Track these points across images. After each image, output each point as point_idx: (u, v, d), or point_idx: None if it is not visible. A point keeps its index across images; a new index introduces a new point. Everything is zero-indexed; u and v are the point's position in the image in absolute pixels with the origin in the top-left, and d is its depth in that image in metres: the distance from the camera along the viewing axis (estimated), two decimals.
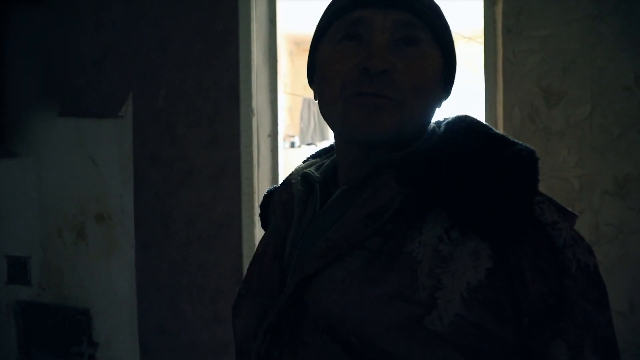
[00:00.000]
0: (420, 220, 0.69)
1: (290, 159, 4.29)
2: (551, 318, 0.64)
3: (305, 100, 6.88)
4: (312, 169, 0.85)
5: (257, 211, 1.34)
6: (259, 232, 2.24)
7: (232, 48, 2.26)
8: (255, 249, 0.89)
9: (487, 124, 0.76)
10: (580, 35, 1.74)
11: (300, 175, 0.84)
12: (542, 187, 0.71)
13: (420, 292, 0.64)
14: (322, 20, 0.80)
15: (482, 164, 0.69)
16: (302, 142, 6.80)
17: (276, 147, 2.31)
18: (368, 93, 0.71)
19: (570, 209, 0.73)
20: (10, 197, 2.73)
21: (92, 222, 2.54)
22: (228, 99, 2.27)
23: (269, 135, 2.30)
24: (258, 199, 2.23)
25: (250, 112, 2.24)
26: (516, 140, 0.73)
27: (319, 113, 0.79)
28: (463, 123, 0.75)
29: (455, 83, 0.82)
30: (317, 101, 0.80)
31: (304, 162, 0.92)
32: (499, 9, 1.85)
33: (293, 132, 7.04)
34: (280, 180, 1.75)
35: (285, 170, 2.24)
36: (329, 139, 6.43)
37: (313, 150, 1.01)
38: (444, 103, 0.82)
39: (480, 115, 1.28)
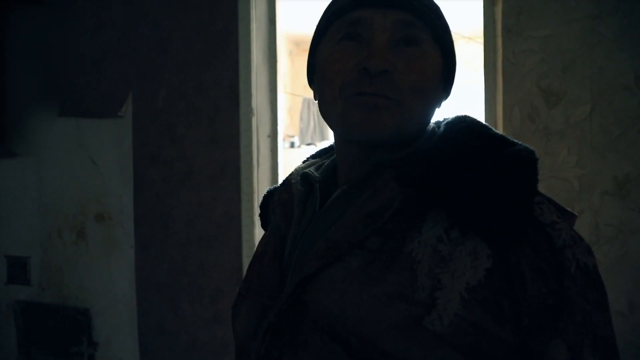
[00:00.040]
0: (420, 220, 0.69)
1: (290, 159, 4.29)
2: (550, 318, 0.64)
3: (305, 100, 6.88)
4: (312, 169, 0.85)
5: (257, 211, 1.34)
6: (258, 232, 2.24)
7: (231, 48, 2.26)
8: (255, 249, 0.89)
9: (486, 124, 0.76)
10: (580, 35, 1.74)
11: (300, 175, 0.84)
12: (542, 187, 0.71)
13: (420, 292, 0.64)
14: (322, 20, 0.80)
15: (481, 164, 0.69)
16: (302, 142, 6.80)
17: (276, 147, 2.31)
18: (368, 93, 0.71)
19: (569, 209, 0.73)
20: (10, 197, 2.73)
21: (92, 222, 2.54)
22: (228, 99, 2.27)
23: (269, 136, 2.30)
24: (258, 199, 2.23)
25: (250, 112, 2.24)
26: (516, 141, 0.73)
27: (319, 113, 0.79)
28: (463, 123, 0.75)
29: (455, 83, 0.82)
30: (317, 101, 0.80)
31: (303, 162, 0.92)
32: (499, 9, 1.85)
33: (293, 132, 7.04)
34: (280, 180, 1.75)
35: (284, 171, 2.24)
36: (329, 139, 6.43)
37: (313, 150, 1.01)
38: (444, 103, 0.82)
39: (480, 115, 1.28)
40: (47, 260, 2.64)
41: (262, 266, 0.81)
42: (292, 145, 6.54)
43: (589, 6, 1.73)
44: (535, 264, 0.65)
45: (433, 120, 0.80)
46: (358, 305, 0.65)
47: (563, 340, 0.63)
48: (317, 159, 0.90)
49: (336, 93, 0.73)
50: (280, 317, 0.71)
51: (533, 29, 1.80)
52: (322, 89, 0.76)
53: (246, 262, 2.21)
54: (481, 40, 1.94)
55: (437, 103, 0.78)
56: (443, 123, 0.78)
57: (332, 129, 0.79)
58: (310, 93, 0.87)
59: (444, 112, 0.83)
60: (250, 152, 2.24)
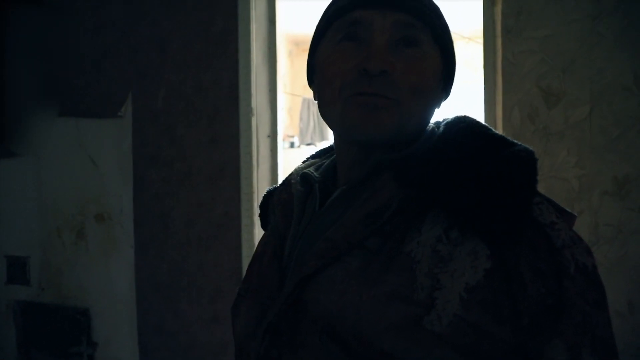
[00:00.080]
0: (419, 221, 0.69)
1: (290, 159, 4.29)
2: (549, 319, 0.64)
3: (304, 100, 6.88)
4: (311, 169, 0.85)
5: (257, 211, 1.34)
6: (258, 232, 2.24)
7: (231, 48, 2.26)
8: (255, 249, 0.89)
9: (486, 124, 0.76)
10: (580, 35, 1.74)
11: (299, 176, 0.84)
12: (541, 188, 0.72)
13: (419, 293, 0.64)
14: (322, 20, 0.80)
15: (481, 164, 0.69)
16: (302, 142, 6.80)
17: (275, 147, 2.31)
18: (367, 93, 0.71)
19: (569, 210, 0.73)
20: (9, 197, 2.73)
21: (92, 222, 2.54)
22: (227, 99, 2.27)
23: (269, 136, 2.30)
24: (257, 199, 2.23)
25: (249, 112, 2.24)
26: (515, 141, 0.73)
27: (319, 113, 0.79)
28: (462, 123, 0.75)
29: (454, 83, 0.82)
30: (316, 101, 0.80)
31: (303, 162, 0.92)
32: (499, 9, 1.85)
33: (292, 132, 7.04)
34: (280, 180, 1.75)
35: (284, 171, 2.24)
36: (329, 139, 6.42)
37: (312, 150, 1.01)
38: (444, 103, 0.82)
39: (479, 115, 1.28)
40: (47, 260, 2.64)
41: (262, 266, 0.81)
42: (291, 145, 6.54)
43: (589, 7, 1.73)
44: (534, 265, 0.65)
45: (433, 120, 0.80)
46: (357, 305, 0.65)
47: (562, 340, 0.64)
48: (317, 159, 0.90)
49: (336, 93, 0.73)
50: (279, 317, 0.71)
51: (533, 30, 1.80)
52: (322, 89, 0.77)
53: (246, 262, 2.21)
54: (481, 40, 1.94)
55: (437, 103, 0.78)
56: (442, 123, 0.78)
57: (331, 129, 0.79)
58: (309, 93, 0.87)
59: (443, 113, 0.83)
60: (250, 152, 2.24)
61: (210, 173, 2.31)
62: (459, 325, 0.63)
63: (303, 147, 6.64)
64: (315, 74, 0.80)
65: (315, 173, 0.83)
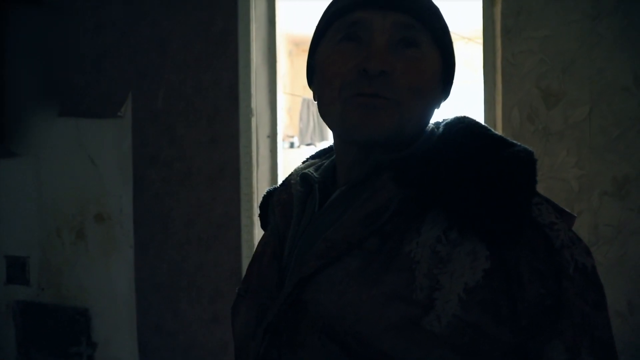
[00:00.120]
0: (418, 221, 0.69)
1: (290, 160, 4.29)
2: (549, 319, 0.64)
3: (304, 100, 6.88)
4: (311, 169, 0.85)
5: (256, 211, 1.34)
6: (258, 233, 2.24)
7: (231, 48, 2.26)
8: (255, 249, 0.89)
9: (485, 125, 0.76)
10: (579, 36, 1.74)
11: (299, 176, 0.84)
12: (541, 188, 0.72)
13: (418, 293, 0.64)
14: (322, 21, 0.80)
15: (480, 164, 0.69)
16: (302, 142, 6.80)
17: (275, 147, 2.31)
18: (367, 94, 0.71)
19: (568, 210, 0.73)
20: (9, 197, 2.73)
21: (91, 222, 2.54)
22: (227, 99, 2.27)
23: (268, 136, 2.30)
24: (257, 200, 2.23)
25: (249, 112, 2.24)
26: (515, 142, 0.73)
27: (318, 113, 0.79)
28: (462, 124, 0.75)
29: (454, 84, 0.82)
30: (316, 102, 0.80)
31: (303, 162, 0.92)
32: (498, 9, 1.85)
33: (292, 133, 7.04)
34: (280, 180, 1.75)
35: (284, 171, 2.24)
36: (328, 140, 6.43)
37: (312, 150, 1.01)
38: (443, 104, 0.82)
39: (479, 115, 1.28)
40: (47, 260, 2.64)
41: (262, 266, 0.81)
42: (291, 145, 6.54)
43: (588, 7, 1.73)
44: (533, 265, 0.65)
45: (432, 121, 0.80)
46: (357, 305, 0.65)
47: (561, 341, 0.64)
48: (317, 160, 0.90)
49: (335, 94, 0.74)
50: (279, 317, 0.71)
51: (532, 30, 1.80)
52: (322, 89, 0.77)
53: (245, 262, 2.21)
54: (480, 40, 1.94)
55: (436, 104, 0.79)
56: (442, 124, 0.79)
57: (331, 130, 0.79)
58: (309, 93, 0.87)
59: (443, 113, 0.83)
60: (249, 153, 2.24)
61: (210, 173, 2.31)
62: (458, 325, 0.63)
63: (303, 147, 6.64)
64: (315, 74, 0.80)
65: (315, 173, 0.83)
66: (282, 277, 0.76)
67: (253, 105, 2.25)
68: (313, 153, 0.94)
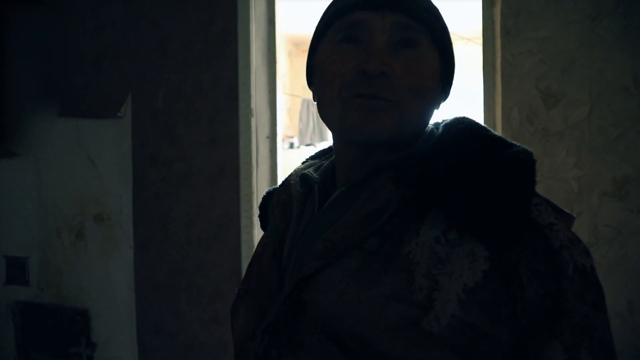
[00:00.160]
0: (417, 222, 0.69)
1: (289, 160, 4.29)
2: (548, 320, 0.64)
3: (304, 101, 6.88)
4: (310, 170, 0.85)
5: (256, 212, 1.34)
6: (257, 233, 2.24)
7: (231, 48, 2.26)
8: (254, 249, 0.89)
9: (485, 125, 0.76)
10: (579, 36, 1.74)
11: (299, 177, 0.84)
12: (540, 189, 0.72)
13: (417, 293, 0.64)
14: (321, 21, 0.80)
15: (480, 165, 0.69)
16: (301, 142, 6.80)
17: (275, 147, 2.31)
18: (366, 95, 0.71)
19: (568, 211, 0.73)
20: (9, 197, 2.73)
21: (91, 222, 2.54)
22: (227, 100, 2.27)
23: (268, 137, 2.30)
24: (257, 200, 2.23)
25: (249, 112, 2.24)
26: (514, 142, 0.73)
27: (318, 114, 0.79)
28: (461, 125, 0.75)
29: (454, 84, 0.83)
30: (316, 102, 0.80)
31: (303, 163, 0.92)
32: (498, 10, 1.85)
33: (292, 133, 7.04)
34: (279, 181, 1.75)
35: (284, 171, 2.24)
36: (328, 140, 6.43)
37: (312, 151, 1.01)
38: (443, 104, 0.82)
39: (478, 116, 1.28)
40: (46, 260, 2.64)
41: (261, 267, 0.81)
42: (291, 146, 6.54)
43: (588, 7, 1.73)
44: (532, 266, 0.65)
45: (432, 121, 0.80)
46: (356, 306, 0.65)
47: (560, 341, 0.64)
48: (316, 160, 0.90)
49: (335, 94, 0.74)
50: (278, 317, 0.71)
51: (532, 31, 1.80)
52: (321, 90, 0.77)
53: (245, 262, 2.21)
54: (480, 41, 1.94)
55: (436, 105, 0.79)
56: (442, 124, 0.79)
57: (330, 130, 0.80)
58: (309, 94, 0.87)
59: (443, 113, 0.83)
60: (249, 153, 2.24)
61: (210, 173, 2.31)
62: (457, 326, 0.63)
63: (302, 147, 6.64)
64: (315, 75, 0.80)
65: (314, 174, 0.83)
66: (282, 277, 0.76)
67: (253, 105, 2.25)
68: (313, 154, 0.94)
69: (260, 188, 2.26)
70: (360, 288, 0.66)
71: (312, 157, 0.93)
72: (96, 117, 2.52)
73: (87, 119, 2.54)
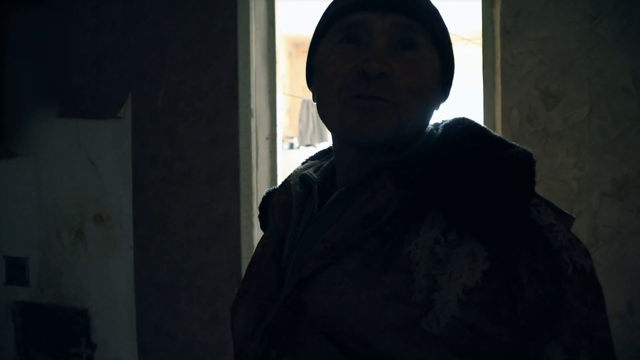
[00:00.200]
0: (417, 222, 0.69)
1: (289, 161, 4.29)
2: (547, 320, 0.64)
3: (304, 101, 6.88)
4: (310, 170, 0.85)
5: (256, 212, 1.34)
6: (257, 233, 2.24)
7: (231, 49, 2.26)
8: (254, 250, 0.89)
9: (484, 126, 0.76)
10: (579, 37, 1.74)
11: (298, 177, 0.84)
12: (540, 189, 0.72)
13: (417, 294, 0.64)
14: (321, 22, 0.80)
15: (479, 166, 0.69)
16: (301, 143, 6.80)
17: (275, 148, 2.31)
18: (366, 96, 0.71)
19: (567, 211, 0.73)
20: (9, 198, 2.73)
21: (91, 222, 2.54)
22: (227, 100, 2.27)
23: (267, 138, 2.30)
24: (257, 200, 2.23)
25: (249, 113, 2.24)
26: (514, 143, 0.73)
27: (318, 114, 0.79)
28: (461, 125, 0.75)
29: (453, 85, 0.83)
30: (315, 103, 0.80)
31: (302, 163, 0.92)
32: (497, 10, 1.85)
33: (292, 134, 7.04)
34: (279, 181, 1.75)
35: (283, 172, 2.24)
36: (328, 141, 6.43)
37: (312, 151, 1.01)
38: (443, 105, 0.82)
39: (478, 116, 1.28)
40: (46, 260, 2.64)
41: (261, 267, 0.81)
42: (291, 146, 6.54)
43: (588, 8, 1.73)
44: (532, 266, 0.65)
45: (431, 122, 0.80)
46: (356, 306, 0.66)
47: (560, 342, 0.64)
48: (316, 161, 0.90)
49: (335, 95, 0.74)
50: (278, 318, 0.71)
51: (531, 31, 1.80)
52: (321, 90, 0.77)
53: (245, 263, 2.21)
54: (480, 41, 1.94)
55: (435, 105, 0.79)
56: (441, 125, 0.79)
57: (330, 131, 0.80)
58: (309, 94, 0.87)
59: (443, 114, 0.83)
60: (249, 153, 2.24)
61: (210, 174, 2.31)
62: (457, 326, 0.63)
63: (302, 148, 6.64)
64: (315, 75, 0.80)
65: (314, 174, 0.83)
66: (282, 278, 0.76)
67: (252, 106, 2.25)
68: (312, 154, 0.94)
69: (260, 188, 2.26)
70: (360, 288, 0.66)
71: (311, 158, 0.93)
72: (96, 117, 2.52)
73: (87, 119, 2.54)
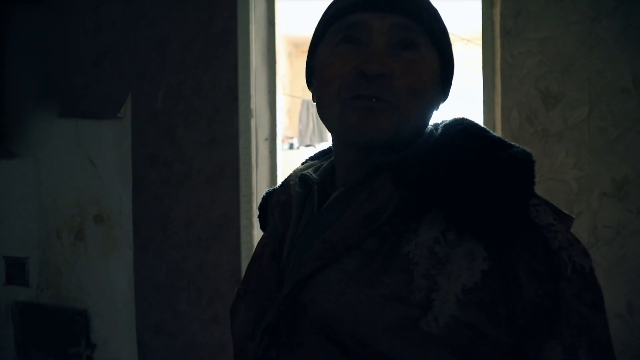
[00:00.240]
0: (416, 222, 0.69)
1: (289, 161, 4.29)
2: (546, 320, 0.64)
3: (303, 102, 6.88)
4: (310, 170, 0.85)
5: (256, 212, 1.35)
6: (257, 234, 2.24)
7: (230, 49, 2.26)
8: (254, 250, 0.90)
9: (484, 126, 0.76)
10: (579, 37, 1.74)
11: (298, 177, 0.84)
12: (540, 189, 0.72)
13: (416, 294, 0.65)
14: (321, 22, 0.80)
15: (478, 166, 0.69)
16: (301, 143, 6.81)
17: (275, 148, 2.31)
18: (365, 96, 0.71)
19: (567, 212, 0.73)
20: (9, 198, 2.73)
21: (91, 223, 2.54)
22: (227, 100, 2.28)
23: (267, 139, 2.30)
24: (256, 200, 2.23)
25: (248, 113, 2.24)
26: (513, 143, 0.73)
27: (318, 115, 0.80)
28: (460, 126, 0.75)
29: (453, 85, 0.83)
30: (315, 103, 0.80)
31: (302, 164, 0.92)
32: (497, 11, 1.85)
33: (292, 134, 7.04)
34: (279, 181, 1.75)
35: (283, 172, 2.24)
36: (328, 141, 6.42)
37: (311, 152, 1.01)
38: (442, 105, 0.82)
39: (478, 117, 1.28)
40: (46, 261, 2.64)
41: (261, 267, 0.82)
42: (291, 146, 6.54)
43: (587, 8, 1.73)
44: (531, 266, 0.65)
45: (431, 122, 0.80)
46: (355, 306, 0.66)
47: (558, 342, 0.64)
48: (316, 161, 0.91)
49: (334, 95, 0.74)
50: (277, 317, 0.71)
51: (531, 31, 1.80)
52: (321, 91, 0.77)
53: (245, 263, 2.21)
54: (480, 42, 1.95)
55: (435, 106, 0.79)
56: (441, 125, 0.79)
57: (330, 131, 0.80)
58: (309, 95, 0.87)
59: (442, 114, 0.83)
60: (249, 154, 2.24)
61: (210, 174, 2.31)
62: (456, 326, 0.63)
63: (302, 148, 6.64)
64: (314, 76, 0.80)
65: (314, 175, 0.83)
66: (281, 278, 0.76)
67: (252, 106, 2.25)
68: (312, 154, 0.94)
69: (259, 189, 2.26)
70: (360, 288, 0.66)
71: (311, 158, 0.93)
72: (96, 117, 2.52)
73: (87, 120, 2.54)
